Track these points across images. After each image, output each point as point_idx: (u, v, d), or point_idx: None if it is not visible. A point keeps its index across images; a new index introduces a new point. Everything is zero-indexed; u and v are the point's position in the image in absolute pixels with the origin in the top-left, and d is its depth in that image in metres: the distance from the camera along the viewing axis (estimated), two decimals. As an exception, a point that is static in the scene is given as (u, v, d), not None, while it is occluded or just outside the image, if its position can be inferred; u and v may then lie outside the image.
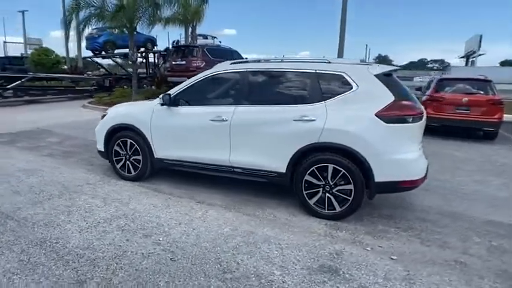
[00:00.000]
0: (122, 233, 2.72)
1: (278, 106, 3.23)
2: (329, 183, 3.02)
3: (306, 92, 3.20)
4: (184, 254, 2.43)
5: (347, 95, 2.99)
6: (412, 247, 2.64)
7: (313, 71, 3.15)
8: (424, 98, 7.55)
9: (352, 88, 2.99)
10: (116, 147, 4.07)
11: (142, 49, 18.19)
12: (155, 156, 3.85)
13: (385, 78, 3.03)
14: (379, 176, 2.87)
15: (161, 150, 3.81)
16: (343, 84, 3.03)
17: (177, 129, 3.69)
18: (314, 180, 3.06)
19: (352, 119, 2.92)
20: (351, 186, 2.94)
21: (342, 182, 2.97)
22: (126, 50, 15.62)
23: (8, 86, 12.28)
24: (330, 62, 3.22)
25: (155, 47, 19.42)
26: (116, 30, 14.01)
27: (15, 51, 33.75)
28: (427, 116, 6.98)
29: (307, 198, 3.14)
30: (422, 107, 3.12)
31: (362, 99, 2.93)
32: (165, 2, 12.33)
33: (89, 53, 17.96)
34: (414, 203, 3.57)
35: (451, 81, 7.57)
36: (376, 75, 2.97)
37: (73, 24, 11.16)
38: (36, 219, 2.92)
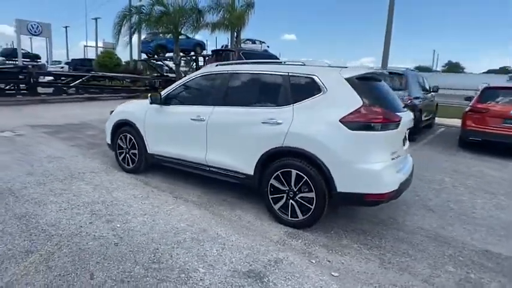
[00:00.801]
0: (90, 216, 3.03)
1: (250, 108, 3.25)
2: (292, 190, 2.93)
3: (276, 94, 3.16)
4: (130, 241, 2.61)
5: (315, 98, 2.88)
6: (365, 266, 2.42)
7: (286, 74, 3.11)
8: (466, 109, 6.74)
9: (321, 92, 2.87)
10: (119, 141, 4.50)
11: (192, 53, 19.53)
12: (148, 152, 4.16)
13: (359, 82, 2.83)
14: (342, 186, 2.69)
15: (152, 146, 4.10)
16: (313, 88, 2.92)
17: (164, 127, 3.94)
18: (279, 185, 3.00)
19: (316, 124, 2.80)
20: (312, 194, 2.81)
21: (306, 190, 2.86)
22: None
23: (71, 84, 14.26)
24: (304, 65, 3.15)
25: (204, 51, 20.65)
26: (167, 35, 15.35)
27: (93, 54, 38.51)
28: (467, 129, 6.13)
29: (272, 203, 3.09)
30: (400, 115, 2.84)
31: (330, 104, 2.80)
32: (210, 8, 13.11)
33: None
34: (405, 222, 3.24)
35: (500, 91, 6.59)
36: (348, 79, 2.80)
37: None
38: (32, 197, 3.41)
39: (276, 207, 3.05)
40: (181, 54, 16.11)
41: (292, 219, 2.97)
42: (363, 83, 2.85)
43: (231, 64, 3.85)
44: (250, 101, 3.31)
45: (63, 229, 2.74)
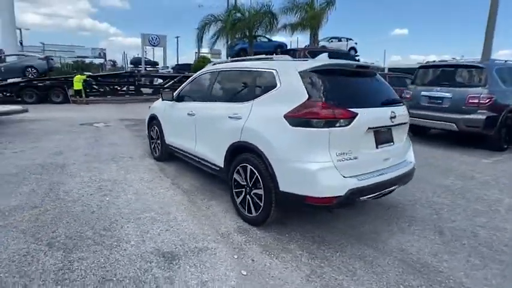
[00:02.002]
0: (95, 190, 3.76)
1: (223, 103, 3.41)
2: (249, 185, 2.95)
3: (244, 90, 3.21)
4: (104, 212, 3.16)
5: (271, 93, 2.82)
6: (286, 274, 2.27)
7: (253, 69, 3.13)
8: None
9: (276, 86, 2.80)
10: (151, 132, 5.30)
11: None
12: (165, 142, 4.78)
13: (317, 75, 2.61)
14: (283, 185, 2.57)
15: (167, 137, 4.70)
16: (271, 83, 2.86)
17: (172, 121, 4.49)
18: (239, 180, 3.07)
19: (266, 120, 2.75)
20: (262, 191, 2.78)
21: (258, 186, 2.85)
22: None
23: (165, 86, 16.89)
24: (272, 59, 3.09)
25: (286, 53, 21.04)
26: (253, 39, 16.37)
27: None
28: None
29: (235, 197, 3.17)
30: (348, 112, 2.47)
31: (281, 99, 2.70)
32: (286, 10, 13.41)
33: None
34: (388, 240, 2.81)
35: None
36: (301, 72, 2.64)
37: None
38: (70, 171, 4.44)
39: (238, 201, 3.12)
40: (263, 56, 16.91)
41: (248, 214, 2.99)
42: (321, 77, 2.60)
43: (223, 63, 4.07)
44: (226, 97, 3.47)
45: (69, 196, 3.53)
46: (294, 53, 11.71)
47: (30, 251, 2.39)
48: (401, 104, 3.07)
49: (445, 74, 6.70)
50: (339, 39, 22.16)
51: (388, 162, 2.79)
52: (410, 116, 7.04)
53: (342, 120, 2.42)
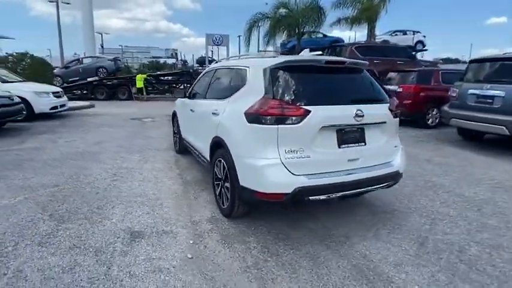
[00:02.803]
0: (110, 175, 4.36)
1: (211, 100, 3.65)
2: (223, 178, 3.15)
3: (226, 87, 3.39)
4: (106, 194, 3.68)
5: (241, 90, 2.96)
6: (228, 262, 2.40)
7: (235, 67, 3.29)
8: None
9: (245, 84, 2.93)
10: (173, 127, 5.85)
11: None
12: (182, 136, 5.25)
13: (281, 72, 2.63)
14: (242, 180, 2.70)
15: (182, 132, 5.15)
16: (243, 80, 3.00)
17: (183, 117, 4.92)
18: (218, 173, 3.28)
19: (232, 116, 2.91)
20: (229, 185, 2.96)
21: (227, 179, 3.02)
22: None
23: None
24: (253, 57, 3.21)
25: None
26: (304, 35, 16.34)
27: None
28: None
29: (215, 189, 3.40)
30: (300, 108, 2.47)
31: (247, 96, 2.81)
32: (340, 3, 13.02)
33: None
34: (357, 243, 2.73)
35: None
36: (265, 69, 2.72)
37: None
38: (100, 158, 5.18)
39: (217, 193, 3.34)
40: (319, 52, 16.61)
41: (222, 206, 3.19)
42: (282, 73, 2.63)
43: (220, 61, 4.30)
44: (214, 94, 3.70)
45: (87, 179, 4.19)
46: (340, 50, 11.32)
47: (34, 219, 3.00)
48: (382, 102, 2.90)
49: (501, 68, 5.83)
50: (404, 33, 20.52)
51: (355, 163, 2.69)
52: (455, 118, 6.32)
53: (293, 118, 2.44)
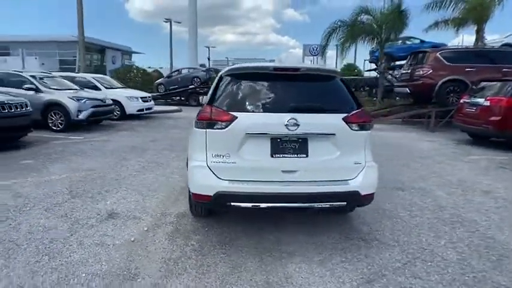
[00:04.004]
0: (139, 167, 5.19)
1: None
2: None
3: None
4: (122, 181, 4.45)
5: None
6: (168, 250, 2.70)
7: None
8: None
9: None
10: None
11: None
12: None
13: (228, 79, 2.78)
14: (188, 181, 2.95)
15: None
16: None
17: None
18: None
19: None
20: (190, 184, 3.24)
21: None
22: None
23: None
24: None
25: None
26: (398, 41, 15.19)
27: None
28: None
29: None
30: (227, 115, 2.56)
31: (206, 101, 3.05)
32: (435, 4, 11.69)
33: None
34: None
35: None
36: (220, 75, 2.90)
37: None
38: (144, 152, 6.17)
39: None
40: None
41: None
42: (230, 80, 2.77)
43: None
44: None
45: (119, 168, 5.11)
46: (423, 56, 10.00)
47: (58, 192, 3.94)
48: (333, 112, 2.68)
49: None
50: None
51: (293, 175, 2.58)
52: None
53: (220, 123, 2.57)
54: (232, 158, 2.58)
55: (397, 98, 14.38)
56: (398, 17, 11.34)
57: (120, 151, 6.30)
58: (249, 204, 2.55)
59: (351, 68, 23.46)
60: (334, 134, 2.63)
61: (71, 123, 7.97)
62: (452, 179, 4.94)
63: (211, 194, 2.56)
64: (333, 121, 2.64)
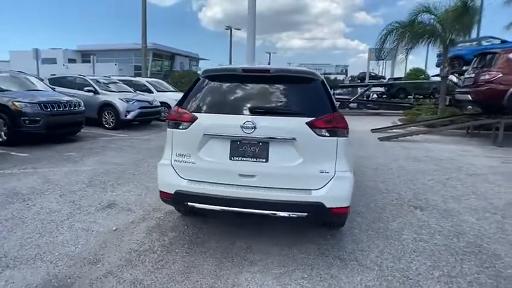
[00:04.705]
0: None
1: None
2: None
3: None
4: (141, 174, 4.85)
5: None
6: (133, 244, 2.89)
7: None
8: None
9: None
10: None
11: None
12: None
13: (204, 80, 2.85)
14: None
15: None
16: None
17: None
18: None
19: None
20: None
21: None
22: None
23: (351, 99, 17.19)
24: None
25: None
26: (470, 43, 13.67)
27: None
28: None
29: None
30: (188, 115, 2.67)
31: None
32: None
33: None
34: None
35: None
36: (197, 77, 2.98)
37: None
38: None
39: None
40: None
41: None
42: (204, 81, 2.84)
43: None
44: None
45: (143, 164, 5.55)
46: (491, 58, 8.63)
47: (79, 181, 4.47)
48: (296, 115, 2.55)
49: None
50: None
51: (250, 179, 2.52)
52: None
53: (184, 123, 2.65)
54: (192, 158, 2.64)
55: (469, 107, 12.71)
56: (463, 14, 10.03)
57: (153, 149, 6.82)
58: (205, 206, 2.58)
59: (417, 73, 21.54)
60: (294, 139, 2.49)
61: (121, 122, 8.94)
62: (497, 203, 4.20)
63: (172, 192, 2.66)
64: (294, 125, 2.50)
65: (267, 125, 2.50)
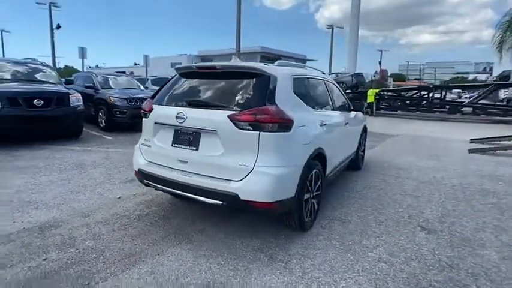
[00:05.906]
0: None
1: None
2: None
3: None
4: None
5: None
6: (135, 227, 3.69)
7: None
8: None
9: None
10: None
11: None
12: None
13: (178, 76, 3.34)
14: None
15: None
16: None
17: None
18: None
19: None
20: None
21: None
22: None
23: (463, 104, 14.51)
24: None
25: None
26: None
27: None
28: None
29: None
30: (149, 106, 3.25)
31: None
32: None
33: None
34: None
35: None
36: (175, 74, 3.47)
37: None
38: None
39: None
40: None
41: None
42: (176, 77, 3.35)
43: None
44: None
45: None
46: None
47: (125, 161, 5.68)
48: (220, 108, 2.77)
49: None
50: None
51: (185, 165, 2.87)
52: None
53: (147, 113, 3.23)
54: (150, 142, 3.20)
55: None
56: None
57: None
58: (156, 185, 3.10)
59: None
60: (215, 131, 2.72)
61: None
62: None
63: (137, 170, 3.30)
64: (216, 117, 2.72)
65: (195, 117, 2.83)
